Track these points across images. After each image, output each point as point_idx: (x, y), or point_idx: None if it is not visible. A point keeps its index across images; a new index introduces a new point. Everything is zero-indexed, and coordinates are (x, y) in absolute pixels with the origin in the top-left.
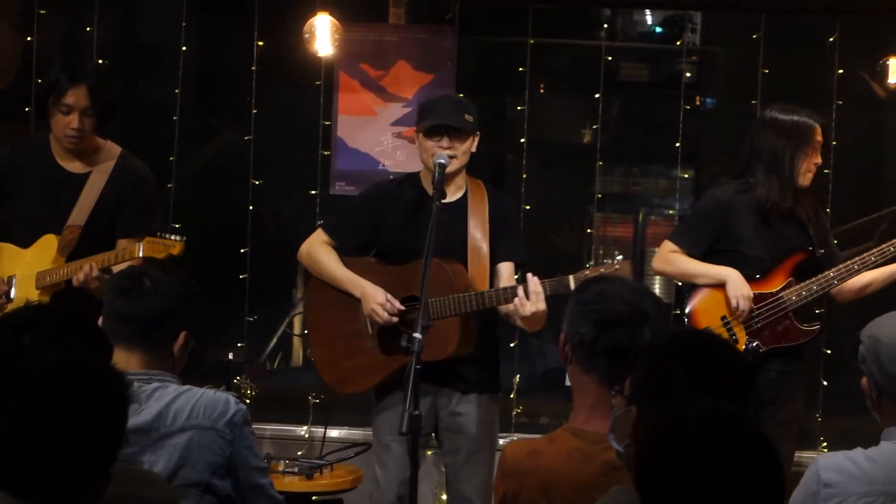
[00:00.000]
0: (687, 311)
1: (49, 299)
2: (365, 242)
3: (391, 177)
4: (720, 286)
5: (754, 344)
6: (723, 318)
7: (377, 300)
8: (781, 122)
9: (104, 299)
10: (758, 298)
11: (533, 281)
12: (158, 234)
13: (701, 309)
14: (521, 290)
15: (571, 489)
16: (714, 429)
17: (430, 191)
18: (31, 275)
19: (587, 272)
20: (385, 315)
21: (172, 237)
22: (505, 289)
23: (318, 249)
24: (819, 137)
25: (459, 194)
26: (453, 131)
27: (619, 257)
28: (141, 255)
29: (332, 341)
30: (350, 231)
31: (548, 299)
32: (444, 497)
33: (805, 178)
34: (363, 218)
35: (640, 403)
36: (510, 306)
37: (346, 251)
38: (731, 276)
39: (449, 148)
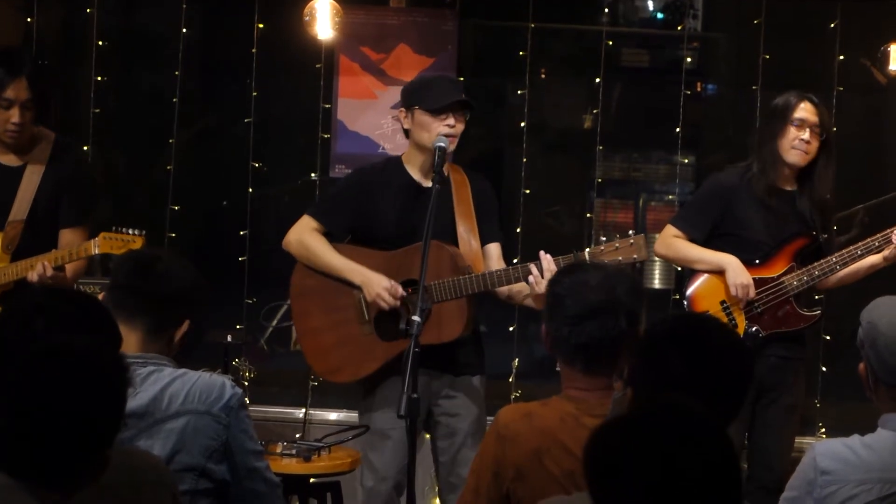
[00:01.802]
0: (687, 294)
1: None
2: (352, 227)
3: (388, 156)
4: (720, 272)
5: (754, 329)
6: (722, 302)
7: (382, 285)
8: (770, 107)
9: (118, 274)
10: (758, 283)
11: (546, 259)
12: (114, 228)
13: (701, 293)
14: (534, 269)
15: (563, 450)
16: (660, 424)
17: (414, 174)
18: None
19: (602, 248)
20: (391, 299)
21: (132, 231)
22: (515, 268)
23: (309, 237)
24: (800, 113)
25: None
26: (458, 110)
27: (631, 232)
28: (97, 251)
29: (323, 330)
30: (339, 215)
31: None
32: None
33: (791, 155)
34: (351, 201)
35: (635, 386)
36: (514, 287)
37: (336, 236)
38: (731, 264)
39: (455, 126)
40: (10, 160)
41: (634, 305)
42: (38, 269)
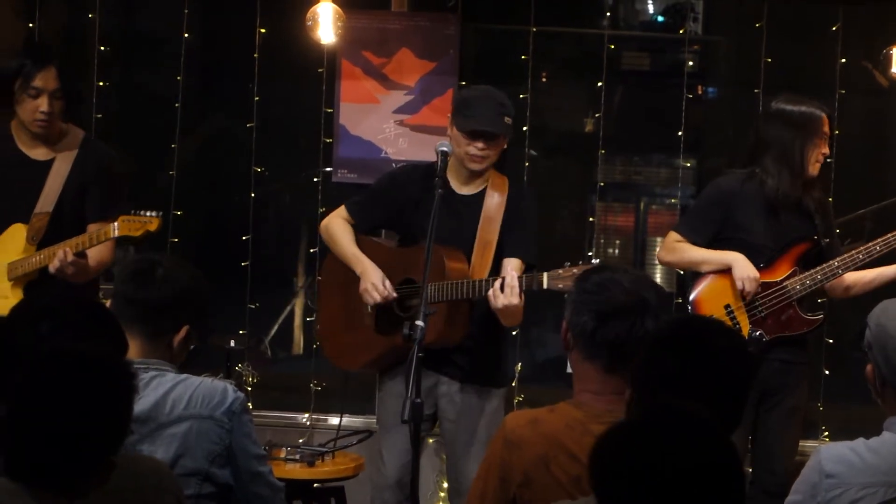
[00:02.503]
0: (691, 299)
1: (22, 290)
2: (382, 225)
3: (393, 167)
4: (724, 273)
5: (758, 333)
6: (726, 306)
7: (372, 280)
8: (789, 113)
9: (115, 281)
10: (762, 287)
11: (510, 275)
12: (133, 212)
13: (705, 297)
14: (497, 283)
15: (569, 456)
16: (664, 429)
17: (452, 181)
18: (2, 266)
19: (560, 272)
20: (376, 296)
21: (148, 213)
22: (486, 280)
23: (336, 224)
24: (826, 128)
25: (481, 187)
26: (491, 135)
27: (596, 261)
28: (116, 234)
29: (336, 316)
30: (369, 211)
31: (543, 291)
32: (446, 485)
33: (814, 168)
34: (384, 200)
35: (636, 388)
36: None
37: (362, 231)
38: (737, 260)
39: (484, 149)
40: (39, 154)
41: (660, 309)
42: (59, 255)
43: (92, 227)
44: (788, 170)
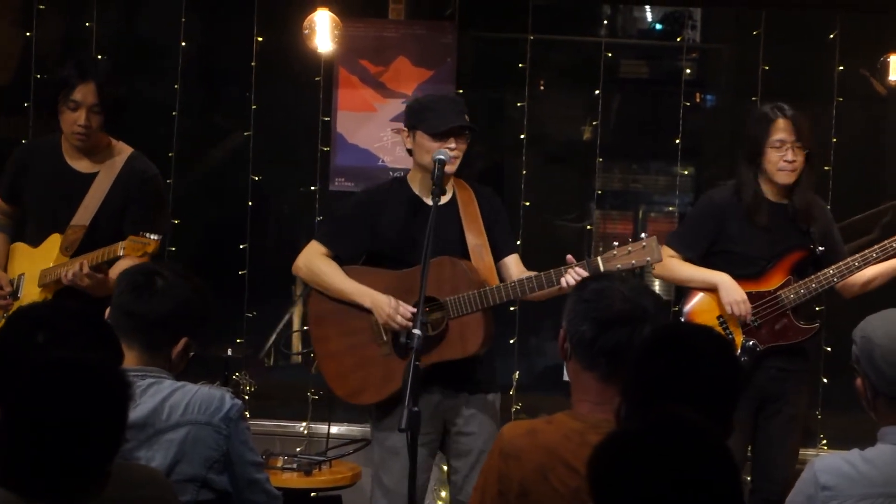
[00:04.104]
0: (684, 311)
1: (52, 296)
2: (361, 248)
3: (391, 175)
4: (713, 290)
5: (751, 343)
6: (719, 317)
7: (392, 306)
8: (751, 115)
9: (115, 292)
10: (755, 297)
11: (576, 266)
12: (140, 233)
13: (698, 309)
14: (568, 276)
15: (567, 467)
16: (661, 438)
17: (419, 192)
18: (36, 273)
19: (615, 252)
20: (402, 321)
21: (149, 235)
22: (543, 274)
23: (318, 262)
24: (777, 135)
25: (448, 196)
26: (459, 133)
27: (644, 235)
28: (122, 253)
29: (342, 354)
30: (347, 238)
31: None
32: (444, 494)
33: (779, 176)
34: (358, 224)
35: (625, 394)
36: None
37: (345, 259)
38: (723, 282)
39: (456, 148)
40: (83, 166)
41: (659, 317)
42: (73, 268)
43: None
44: (752, 167)
